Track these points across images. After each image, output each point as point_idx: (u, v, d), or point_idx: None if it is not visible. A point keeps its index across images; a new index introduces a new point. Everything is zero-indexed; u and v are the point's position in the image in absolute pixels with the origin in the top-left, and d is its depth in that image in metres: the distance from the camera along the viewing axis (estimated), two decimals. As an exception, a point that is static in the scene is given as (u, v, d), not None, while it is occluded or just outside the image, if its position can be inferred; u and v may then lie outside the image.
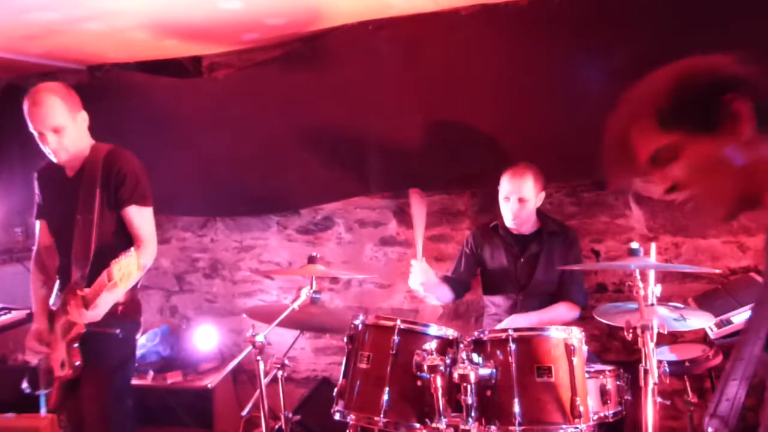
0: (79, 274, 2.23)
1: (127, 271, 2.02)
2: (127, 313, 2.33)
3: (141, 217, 2.32)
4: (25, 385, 2.33)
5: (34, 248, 2.51)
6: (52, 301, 2.39)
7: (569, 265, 2.67)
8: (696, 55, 1.02)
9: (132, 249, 2.08)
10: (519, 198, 2.62)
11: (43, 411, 2.28)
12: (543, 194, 2.71)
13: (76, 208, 2.28)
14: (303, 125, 3.34)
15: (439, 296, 2.84)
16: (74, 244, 2.27)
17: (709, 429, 0.91)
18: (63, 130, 2.24)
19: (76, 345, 2.20)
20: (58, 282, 2.41)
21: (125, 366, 2.34)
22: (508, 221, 2.69)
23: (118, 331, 2.26)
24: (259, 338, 2.09)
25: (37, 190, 2.48)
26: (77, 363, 2.20)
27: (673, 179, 1.04)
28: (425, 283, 2.66)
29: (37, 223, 2.50)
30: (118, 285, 2.05)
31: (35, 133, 2.26)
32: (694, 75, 1.00)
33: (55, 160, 2.32)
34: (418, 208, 2.60)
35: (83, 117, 2.33)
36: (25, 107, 2.24)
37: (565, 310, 2.68)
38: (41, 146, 2.29)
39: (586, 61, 2.83)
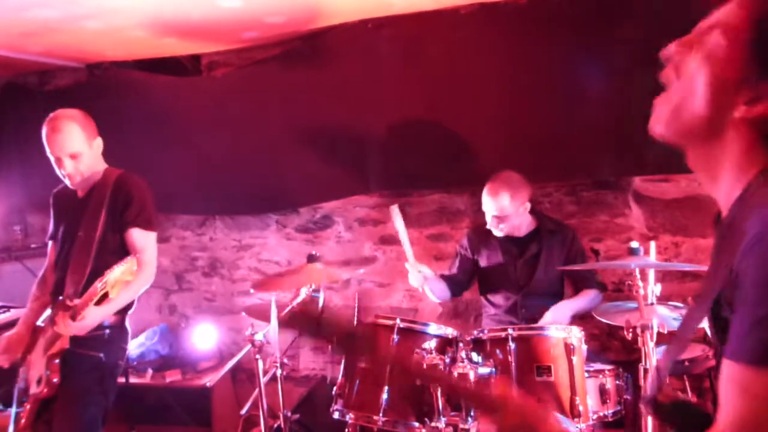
0: (72, 290, 2.20)
1: (121, 278, 2.01)
2: (114, 338, 2.29)
3: (144, 241, 2.32)
4: None
5: (43, 268, 2.50)
6: (41, 320, 2.34)
7: (572, 261, 2.67)
8: None
9: (128, 257, 2.06)
10: (495, 216, 2.62)
11: (11, 429, 2.18)
12: (528, 204, 2.67)
13: (81, 224, 2.29)
14: (302, 124, 3.33)
15: (437, 292, 2.84)
16: (72, 260, 2.26)
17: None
18: (80, 156, 2.29)
19: (57, 361, 2.16)
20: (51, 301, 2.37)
21: (104, 391, 2.25)
22: (493, 231, 2.70)
23: (102, 354, 2.22)
24: (258, 337, 2.09)
25: (52, 212, 2.50)
26: (55, 380, 2.15)
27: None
28: (423, 279, 2.68)
29: (50, 244, 2.50)
30: (110, 293, 2.03)
31: (52, 158, 2.29)
32: None
33: (69, 184, 2.35)
34: (399, 221, 2.60)
35: (99, 143, 2.37)
36: (43, 133, 2.29)
37: (596, 294, 2.70)
38: (57, 170, 2.32)
39: (585, 60, 2.82)
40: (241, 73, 3.50)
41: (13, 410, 2.19)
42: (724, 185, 0.91)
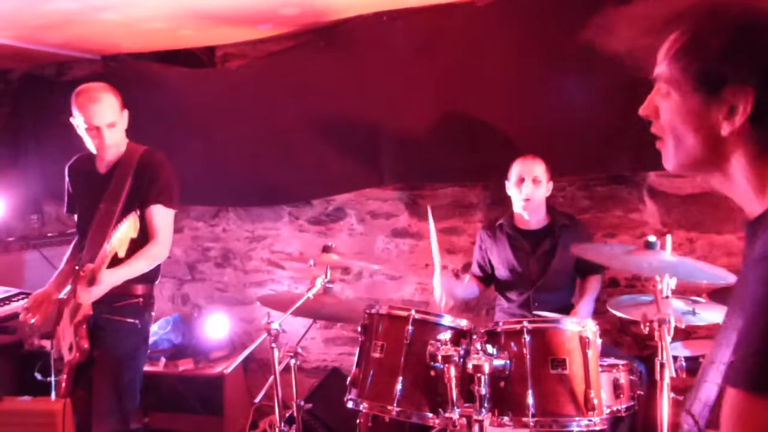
0: (88, 259, 2.26)
1: (126, 235, 2.06)
2: (146, 305, 2.40)
3: (163, 218, 2.36)
4: (36, 372, 2.40)
5: (74, 240, 2.56)
6: (63, 293, 2.43)
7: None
8: None
9: (131, 215, 2.10)
10: (533, 178, 2.63)
11: (53, 396, 2.31)
12: (551, 184, 2.72)
13: (103, 197, 2.33)
14: (316, 116, 3.34)
15: (466, 294, 2.88)
16: (90, 232, 2.32)
17: (685, 426, 0.91)
18: (115, 125, 2.33)
19: (84, 327, 2.23)
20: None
21: (138, 355, 2.39)
22: (519, 206, 2.69)
23: (137, 321, 2.32)
24: (275, 326, 2.10)
25: (68, 184, 2.54)
26: (85, 346, 2.23)
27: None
28: (449, 294, 2.60)
29: (75, 217, 2.55)
30: (119, 252, 2.07)
31: (84, 128, 2.30)
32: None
33: (103, 156, 2.37)
34: (432, 225, 2.56)
35: (125, 115, 2.41)
36: (80, 103, 2.30)
37: (599, 280, 2.77)
38: (90, 142, 2.34)
39: (602, 54, 2.80)
40: (255, 65, 3.51)
41: (52, 379, 2.31)
42: (748, 203, 0.88)
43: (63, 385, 2.29)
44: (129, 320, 2.31)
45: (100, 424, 2.27)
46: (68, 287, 2.41)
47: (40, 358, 2.53)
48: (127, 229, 2.07)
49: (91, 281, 2.13)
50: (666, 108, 0.91)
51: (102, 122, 2.29)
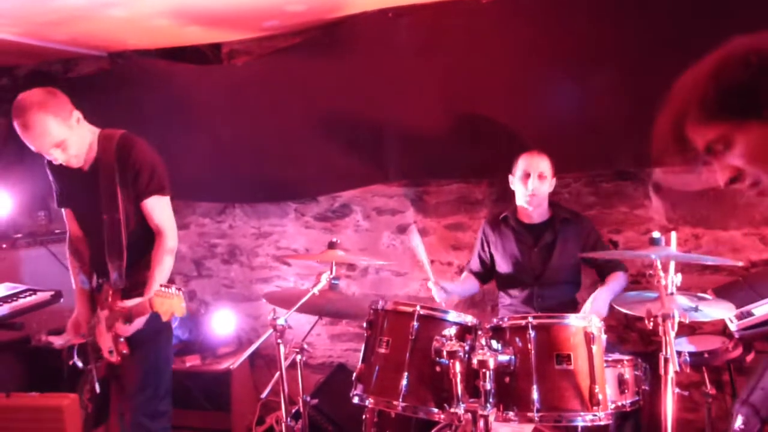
0: (116, 274, 2.28)
1: (170, 309, 2.05)
2: None
3: (161, 208, 2.32)
4: (75, 359, 2.41)
5: (67, 236, 2.57)
6: (89, 284, 2.48)
7: (589, 249, 2.67)
8: (734, 36, 0.95)
9: (174, 287, 2.07)
10: (539, 174, 2.63)
11: (96, 385, 2.37)
12: (555, 180, 2.72)
13: (100, 205, 2.27)
14: (322, 112, 3.35)
15: (467, 292, 2.90)
16: (106, 243, 2.29)
17: (739, 416, 0.91)
18: (65, 141, 2.14)
19: (122, 339, 2.26)
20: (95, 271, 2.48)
21: (160, 339, 2.42)
22: (524, 201, 2.69)
23: None
24: (280, 322, 2.12)
25: (51, 177, 2.49)
26: (125, 351, 2.27)
27: (732, 170, 0.97)
28: (446, 294, 2.61)
29: (63, 212, 2.54)
30: (162, 316, 2.08)
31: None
32: (737, 59, 0.93)
33: (78, 162, 2.28)
34: (418, 241, 2.57)
35: (77, 117, 2.20)
36: (17, 129, 2.10)
37: (624, 275, 2.70)
38: (49, 159, 2.23)
39: (605, 49, 2.80)
40: (261, 62, 3.52)
41: (93, 366, 2.38)
42: None
43: (102, 370, 2.37)
44: None
45: (127, 403, 2.34)
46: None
47: (48, 354, 2.55)
48: (172, 305, 2.04)
49: (128, 320, 2.16)
50: None
51: (44, 148, 2.11)
